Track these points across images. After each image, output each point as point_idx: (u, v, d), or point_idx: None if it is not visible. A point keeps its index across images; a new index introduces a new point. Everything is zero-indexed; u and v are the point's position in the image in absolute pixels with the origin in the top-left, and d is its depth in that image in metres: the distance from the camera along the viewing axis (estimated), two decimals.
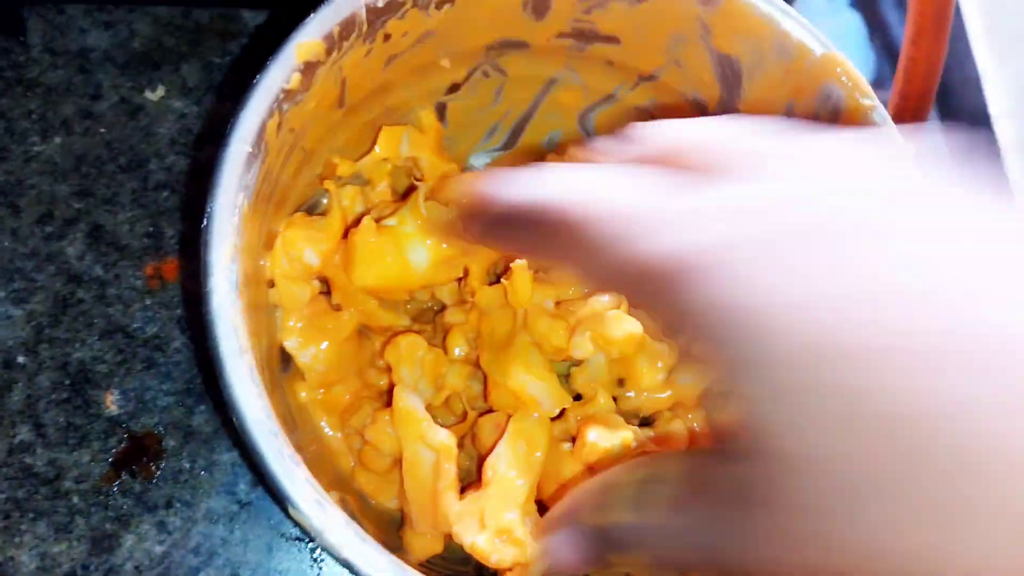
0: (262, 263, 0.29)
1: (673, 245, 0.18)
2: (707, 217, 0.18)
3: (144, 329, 0.35)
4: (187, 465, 0.33)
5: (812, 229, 0.18)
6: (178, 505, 0.32)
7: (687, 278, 0.18)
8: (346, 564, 0.22)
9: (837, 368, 0.17)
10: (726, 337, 0.18)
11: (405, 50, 0.30)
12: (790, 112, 0.29)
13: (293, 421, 0.29)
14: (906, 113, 0.47)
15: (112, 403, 0.34)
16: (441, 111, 0.34)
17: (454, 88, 0.33)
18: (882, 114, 0.27)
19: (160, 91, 0.38)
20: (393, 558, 0.22)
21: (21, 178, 0.36)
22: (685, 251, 0.18)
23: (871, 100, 0.27)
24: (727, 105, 0.31)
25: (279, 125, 0.26)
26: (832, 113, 0.28)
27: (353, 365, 0.31)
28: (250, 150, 0.26)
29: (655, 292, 0.19)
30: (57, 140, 0.37)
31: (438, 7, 0.29)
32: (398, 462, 0.29)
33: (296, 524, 0.22)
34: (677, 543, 0.20)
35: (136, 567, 0.31)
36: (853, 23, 0.94)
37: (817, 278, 0.17)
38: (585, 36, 0.31)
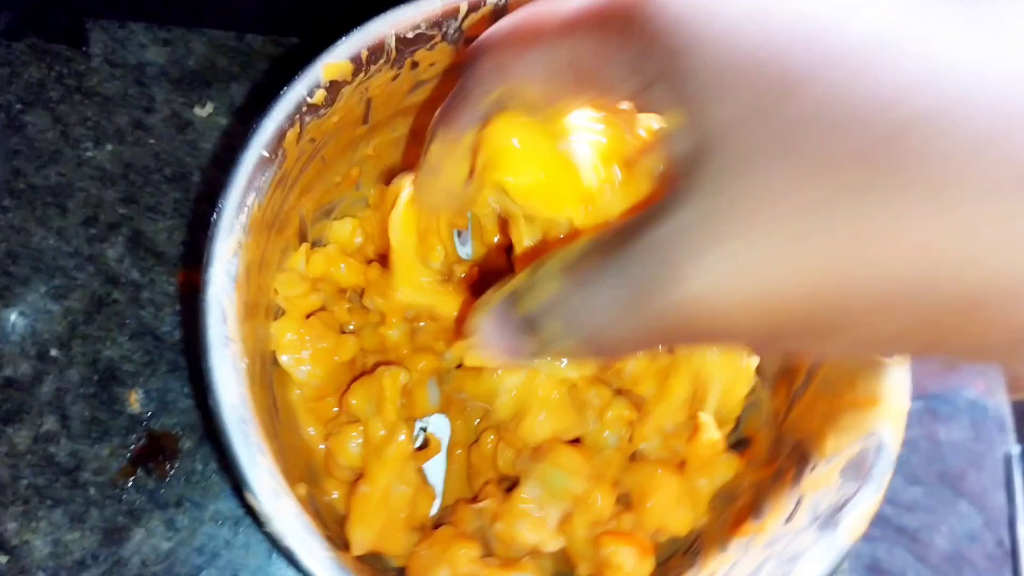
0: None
1: None
2: None
3: (172, 333, 0.36)
4: (200, 467, 0.34)
5: None
6: (187, 505, 0.34)
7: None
8: (288, 553, 0.23)
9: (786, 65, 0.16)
10: (680, 56, 0.18)
11: (431, 79, 0.31)
12: None
13: (276, 411, 0.30)
14: None
15: (135, 401, 0.35)
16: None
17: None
18: None
19: (209, 108, 0.40)
20: (335, 556, 0.24)
21: (72, 181, 0.38)
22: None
23: None
24: None
25: (299, 135, 0.28)
26: None
27: (346, 383, 0.32)
28: (266, 155, 0.27)
29: (607, 36, 0.19)
30: (109, 147, 0.39)
31: (467, 43, 0.30)
32: (358, 475, 0.30)
33: (249, 509, 0.24)
34: (604, 307, 0.19)
35: (142, 561, 0.33)
36: None
37: None
38: None
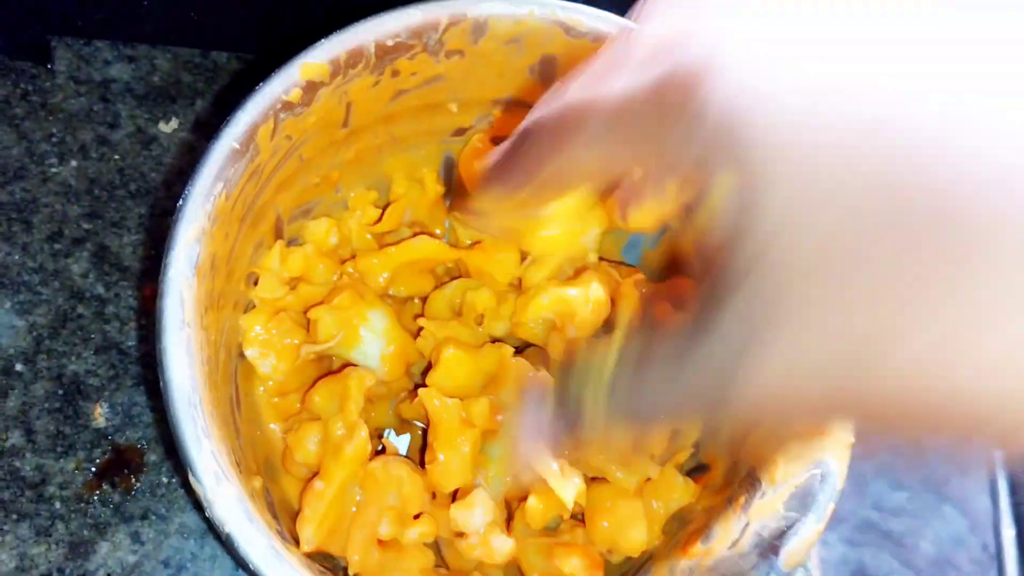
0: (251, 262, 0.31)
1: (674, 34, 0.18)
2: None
3: (137, 347, 0.36)
4: (165, 480, 0.35)
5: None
6: (153, 518, 0.34)
7: (691, 78, 0.18)
8: (228, 539, 0.24)
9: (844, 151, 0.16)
10: (734, 139, 0.17)
11: (413, 88, 0.32)
12: None
13: (238, 404, 0.30)
14: None
15: (100, 415, 0.35)
16: (448, 169, 0.36)
17: (459, 132, 0.35)
18: None
19: (173, 124, 0.40)
20: (275, 544, 0.24)
21: (36, 197, 0.38)
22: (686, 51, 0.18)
23: None
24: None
25: (273, 131, 0.29)
26: None
27: (311, 381, 0.33)
28: (237, 147, 0.28)
29: (663, 113, 0.19)
30: (73, 163, 0.39)
31: (448, 56, 0.31)
32: (314, 472, 0.31)
33: (193, 493, 0.24)
34: (657, 402, 0.19)
35: (108, 574, 0.33)
36: None
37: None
38: None
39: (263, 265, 0.32)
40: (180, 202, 0.27)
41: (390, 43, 0.30)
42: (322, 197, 0.34)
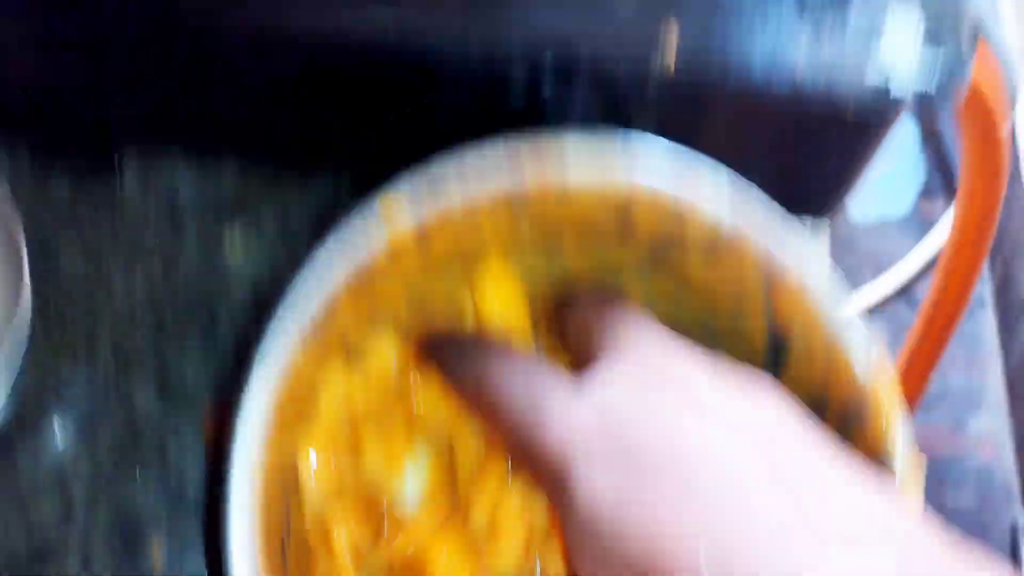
0: None
1: (550, 442, 0.25)
2: (577, 422, 0.25)
3: (199, 482, 0.36)
4: None
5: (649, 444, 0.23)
6: None
7: (555, 475, 0.25)
8: None
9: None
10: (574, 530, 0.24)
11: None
12: (822, 402, 0.30)
13: (287, 529, 0.30)
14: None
15: (159, 553, 0.35)
16: None
17: None
18: (904, 443, 0.28)
19: (242, 238, 0.39)
20: None
21: (100, 310, 0.38)
22: (554, 451, 0.25)
23: (897, 437, 0.28)
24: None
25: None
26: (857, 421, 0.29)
27: None
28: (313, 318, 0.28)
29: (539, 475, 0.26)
30: (138, 276, 0.38)
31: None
32: None
33: None
34: None
35: None
36: (907, 130, 0.93)
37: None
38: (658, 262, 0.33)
39: (326, 382, 0.32)
40: (261, 330, 0.26)
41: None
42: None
